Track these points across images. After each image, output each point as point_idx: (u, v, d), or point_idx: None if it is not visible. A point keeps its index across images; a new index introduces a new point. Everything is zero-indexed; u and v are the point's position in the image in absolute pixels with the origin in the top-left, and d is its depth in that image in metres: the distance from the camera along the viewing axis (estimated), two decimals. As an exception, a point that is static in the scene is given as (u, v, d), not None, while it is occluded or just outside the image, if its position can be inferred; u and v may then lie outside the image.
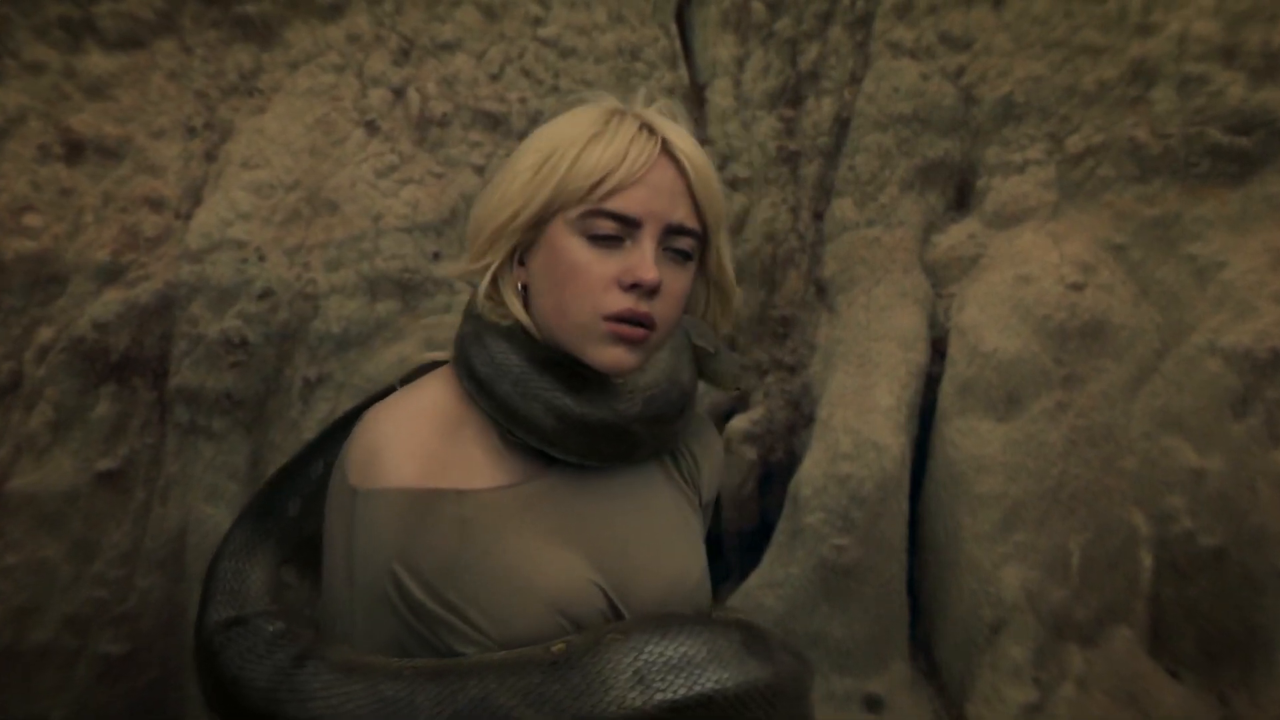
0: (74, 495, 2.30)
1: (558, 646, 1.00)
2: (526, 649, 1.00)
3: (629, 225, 1.09)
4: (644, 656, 0.98)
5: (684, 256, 1.14)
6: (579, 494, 1.13)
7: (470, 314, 1.19)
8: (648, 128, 1.12)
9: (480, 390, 1.12)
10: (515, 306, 1.15)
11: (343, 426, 1.30)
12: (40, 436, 2.29)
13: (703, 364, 1.27)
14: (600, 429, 1.11)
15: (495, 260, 1.14)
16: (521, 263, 1.15)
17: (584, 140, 1.10)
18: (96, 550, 2.32)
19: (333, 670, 1.00)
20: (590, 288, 1.08)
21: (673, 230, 1.11)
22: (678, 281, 1.13)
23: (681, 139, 1.13)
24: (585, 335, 1.09)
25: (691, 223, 1.13)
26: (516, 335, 1.13)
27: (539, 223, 1.12)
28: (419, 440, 1.06)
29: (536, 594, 1.04)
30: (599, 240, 1.09)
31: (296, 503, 1.31)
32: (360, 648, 1.03)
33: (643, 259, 1.08)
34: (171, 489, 2.39)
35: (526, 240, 1.13)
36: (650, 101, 1.19)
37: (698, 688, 0.97)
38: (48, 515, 2.27)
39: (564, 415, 1.09)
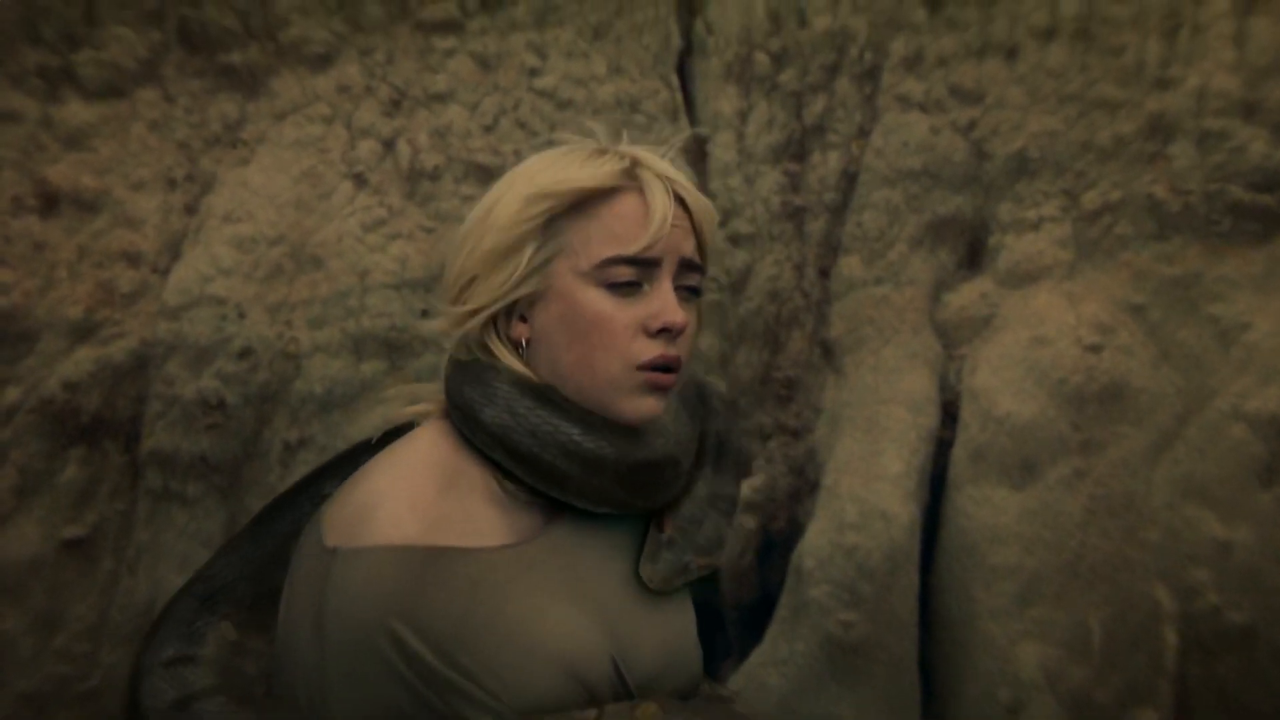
0: (38, 564, 2.23)
1: None
2: None
3: (648, 268, 1.07)
4: None
5: (693, 293, 1.13)
6: (582, 551, 1.10)
7: (461, 361, 1.14)
8: (649, 169, 1.11)
9: (488, 438, 1.08)
10: (511, 360, 1.11)
11: (292, 498, 1.26)
12: (4, 502, 2.21)
13: (650, 551, 1.19)
14: (624, 472, 1.09)
15: (492, 308, 1.10)
16: (522, 318, 1.11)
17: (597, 180, 1.08)
18: (60, 623, 2.25)
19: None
20: (617, 338, 1.07)
21: (685, 266, 1.10)
22: (691, 319, 1.12)
23: (680, 175, 1.13)
24: (616, 388, 1.08)
25: (698, 258, 1.13)
26: (520, 381, 1.10)
27: (537, 272, 1.08)
28: (419, 495, 1.02)
29: (550, 657, 1.00)
30: (617, 288, 1.07)
31: (240, 584, 1.23)
32: (335, 717, 0.98)
33: (666, 302, 1.07)
34: (141, 558, 2.32)
35: (526, 292, 1.09)
36: (621, 139, 1.17)
37: None
38: (9, 586, 2.20)
39: (585, 459, 1.07)
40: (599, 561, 1.11)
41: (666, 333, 1.07)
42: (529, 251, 1.07)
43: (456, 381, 1.12)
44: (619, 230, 1.06)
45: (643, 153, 1.12)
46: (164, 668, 1.12)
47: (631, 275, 1.06)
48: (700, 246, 1.14)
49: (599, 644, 1.04)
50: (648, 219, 1.06)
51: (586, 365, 1.07)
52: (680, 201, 1.11)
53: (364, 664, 0.96)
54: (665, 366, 1.07)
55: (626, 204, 1.08)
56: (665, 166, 1.11)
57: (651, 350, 1.06)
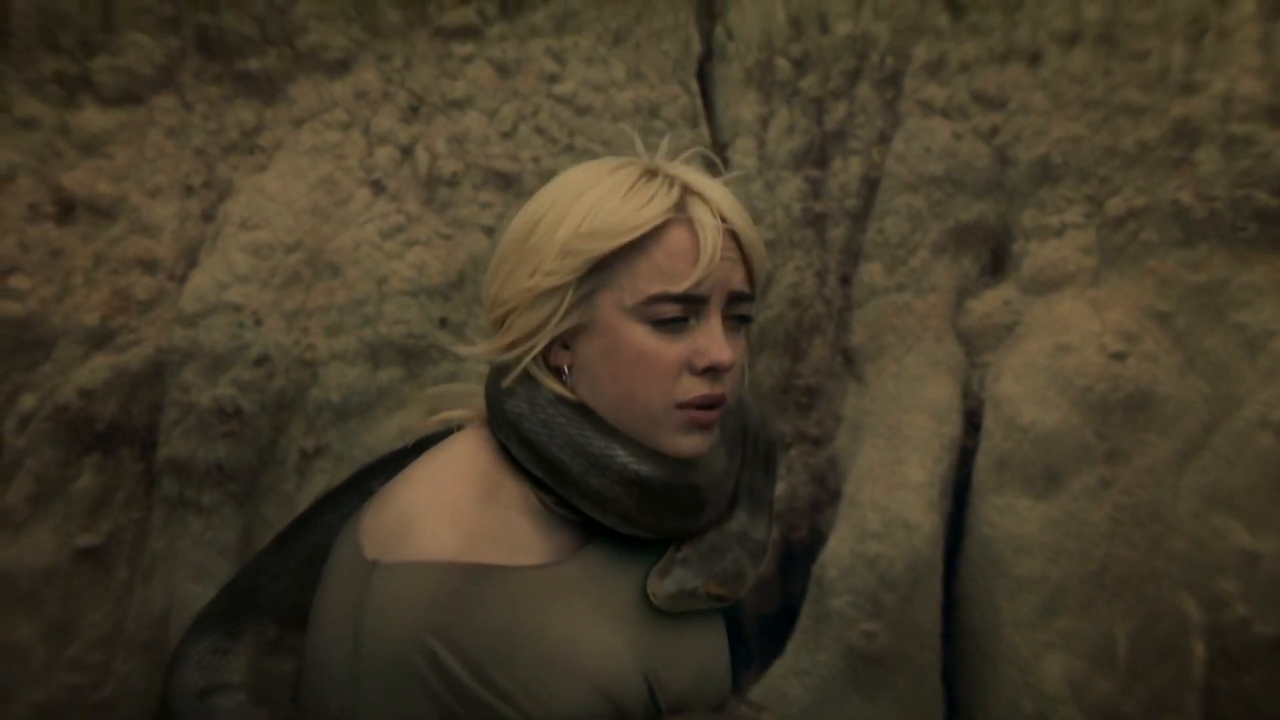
0: (52, 573, 2.22)
1: None
2: None
3: (696, 304, 1.04)
4: None
5: (743, 321, 1.10)
6: (616, 572, 1.09)
7: (502, 379, 1.13)
8: (699, 197, 1.06)
9: (506, 426, 1.07)
10: (554, 386, 1.09)
11: (338, 495, 1.27)
12: (18, 510, 2.20)
13: (663, 565, 1.15)
14: (632, 480, 1.06)
15: (535, 345, 1.07)
16: (565, 345, 1.09)
17: (646, 221, 1.03)
18: (74, 632, 2.24)
19: None
20: (661, 376, 1.04)
21: (734, 298, 1.07)
22: (739, 351, 1.09)
23: (727, 201, 1.08)
24: (657, 425, 1.06)
25: (747, 287, 1.09)
26: (567, 400, 1.08)
27: (580, 305, 1.06)
28: (460, 508, 1.01)
29: (586, 680, 0.99)
30: (663, 325, 1.04)
31: (283, 579, 1.24)
32: None
33: (713, 339, 1.04)
34: (156, 567, 2.31)
35: (568, 325, 1.07)
36: (673, 155, 1.13)
37: None
38: (23, 594, 2.18)
39: (590, 456, 1.05)
40: (633, 583, 1.09)
41: (713, 371, 1.04)
42: (571, 288, 1.04)
43: (496, 391, 1.11)
44: (666, 267, 1.03)
45: (692, 177, 1.08)
46: (199, 658, 1.13)
47: (678, 312, 1.03)
48: (750, 274, 1.10)
49: (634, 667, 1.03)
50: (697, 256, 1.02)
51: (628, 400, 1.05)
52: (729, 230, 1.06)
53: (398, 680, 0.95)
54: (710, 405, 1.05)
55: (675, 238, 1.03)
56: (715, 193, 1.07)
57: (696, 389, 1.04)
